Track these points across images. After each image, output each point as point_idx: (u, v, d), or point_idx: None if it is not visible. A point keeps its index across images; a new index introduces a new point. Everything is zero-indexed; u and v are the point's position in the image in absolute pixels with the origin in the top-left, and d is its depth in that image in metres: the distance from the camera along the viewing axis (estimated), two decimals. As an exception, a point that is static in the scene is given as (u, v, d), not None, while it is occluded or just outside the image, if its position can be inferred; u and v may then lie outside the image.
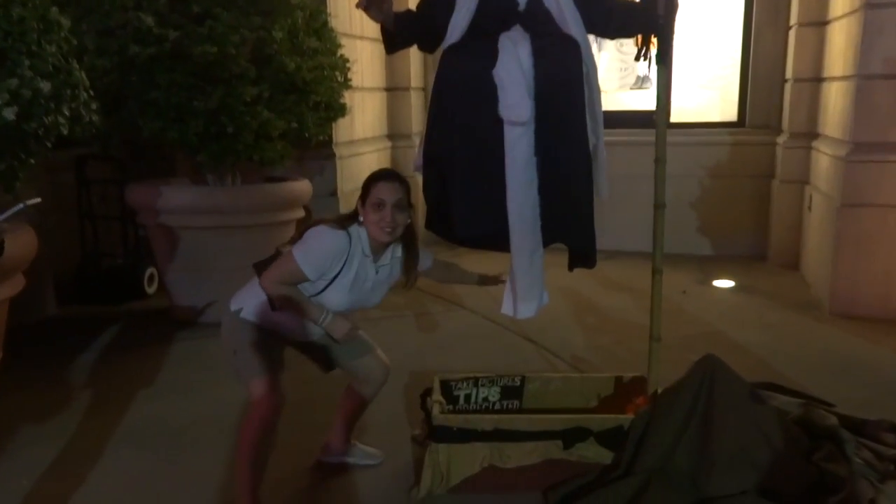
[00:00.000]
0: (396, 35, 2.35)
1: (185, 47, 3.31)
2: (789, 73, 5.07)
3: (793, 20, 5.04)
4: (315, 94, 3.78)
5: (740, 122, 5.52)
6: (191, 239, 3.75)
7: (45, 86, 2.18)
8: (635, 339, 3.58)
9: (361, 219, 2.12)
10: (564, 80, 2.19)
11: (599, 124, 2.31)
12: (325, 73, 3.84)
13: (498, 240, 2.30)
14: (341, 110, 4.06)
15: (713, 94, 5.67)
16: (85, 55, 3.26)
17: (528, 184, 2.19)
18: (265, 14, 3.56)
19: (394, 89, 5.59)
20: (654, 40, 2.36)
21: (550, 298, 2.49)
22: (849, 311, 4.02)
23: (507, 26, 2.21)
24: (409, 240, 2.24)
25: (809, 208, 4.80)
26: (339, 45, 4.08)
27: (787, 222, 5.09)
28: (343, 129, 4.78)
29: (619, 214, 5.20)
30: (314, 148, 4.41)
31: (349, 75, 4.18)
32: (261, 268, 2.13)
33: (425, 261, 2.35)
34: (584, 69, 2.25)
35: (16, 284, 2.55)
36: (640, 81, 5.87)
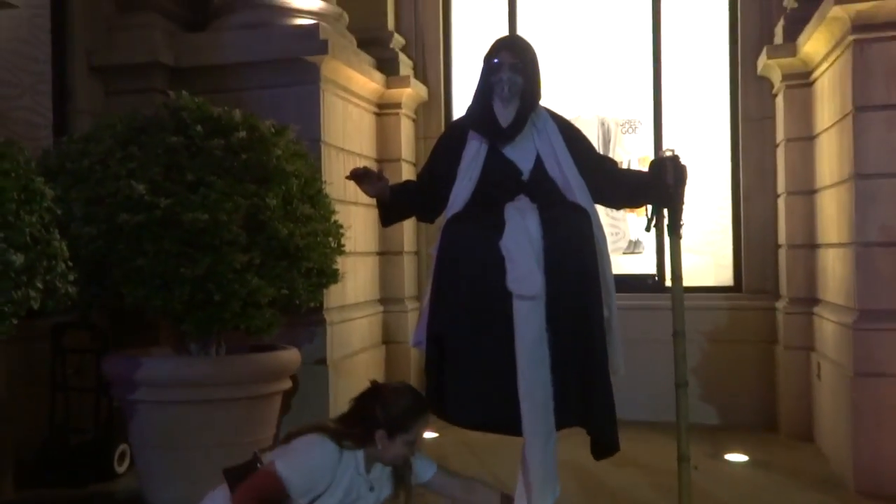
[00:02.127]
0: (392, 207, 2.25)
1: (175, 214, 3.21)
2: (782, 239, 5.05)
3: (780, 188, 5.09)
4: (307, 260, 3.65)
5: (736, 286, 5.44)
6: (169, 414, 3.45)
7: (18, 258, 2.01)
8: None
9: (380, 447, 1.92)
10: (576, 251, 2.07)
11: (612, 295, 2.17)
12: (319, 238, 3.74)
13: (502, 425, 2.07)
14: (334, 276, 3.92)
15: (705, 259, 5.63)
16: (72, 223, 3.14)
17: (540, 362, 2.00)
18: (260, 181, 3.50)
19: (386, 253, 5.51)
20: (665, 211, 2.27)
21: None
22: (876, 491, 3.70)
23: (511, 196, 2.12)
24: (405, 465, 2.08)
25: (819, 377, 4.59)
26: (334, 212, 4.01)
27: (795, 391, 4.85)
28: (334, 294, 4.63)
29: (615, 381, 4.96)
30: (304, 314, 4.23)
31: (343, 241, 4.08)
32: (233, 477, 1.82)
33: (425, 470, 2.10)
34: (595, 241, 2.13)
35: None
36: (633, 245, 5.86)
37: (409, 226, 5.62)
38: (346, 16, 5.05)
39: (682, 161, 2.23)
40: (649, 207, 2.29)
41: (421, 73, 5.69)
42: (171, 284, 3.26)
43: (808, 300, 4.81)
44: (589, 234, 2.11)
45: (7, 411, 3.66)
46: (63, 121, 4.44)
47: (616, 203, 2.39)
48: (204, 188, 3.30)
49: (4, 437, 3.45)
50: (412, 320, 5.14)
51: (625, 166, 2.76)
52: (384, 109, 5.41)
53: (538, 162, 2.19)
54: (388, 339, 5.41)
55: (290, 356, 3.79)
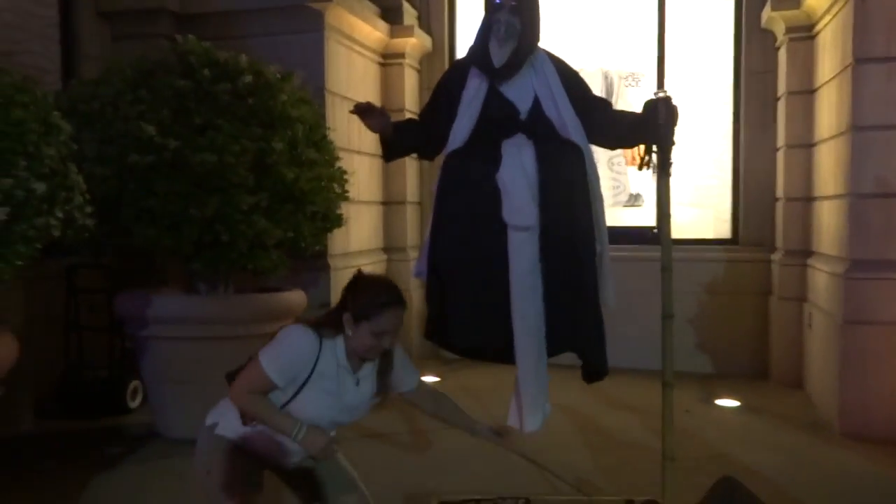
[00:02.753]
0: (394, 143, 2.35)
1: (184, 156, 3.31)
2: (780, 193, 5.14)
3: (780, 142, 5.15)
4: (312, 204, 3.76)
5: (734, 239, 5.54)
6: (179, 350, 3.61)
7: (40, 186, 2.12)
8: (642, 459, 3.39)
9: (349, 333, 1.90)
10: (569, 185, 2.17)
11: (603, 232, 2.27)
12: (323, 183, 3.84)
13: (498, 350, 2.20)
14: (337, 221, 4.04)
15: (704, 212, 5.72)
16: (84, 163, 3.24)
17: (532, 290, 2.12)
18: (266, 126, 3.59)
19: (390, 203, 5.62)
20: (655, 149, 2.36)
21: (549, 417, 2.36)
22: (859, 433, 3.85)
23: (509, 134, 2.22)
24: (387, 356, 2.00)
25: (810, 326, 4.73)
26: (338, 158, 4.11)
27: (787, 340, 4.99)
28: (338, 241, 4.75)
29: (614, 331, 5.10)
30: (309, 259, 4.35)
31: (346, 187, 4.18)
32: (232, 378, 1.97)
33: (408, 379, 2.10)
34: (588, 179, 2.24)
35: (-11, 393, 2.40)
36: (633, 199, 5.94)
37: (412, 175, 5.72)
38: (351, -37, 5.07)
39: (674, 102, 2.32)
40: (642, 147, 2.38)
41: (425, 24, 5.71)
42: (181, 225, 3.38)
43: (803, 252, 4.92)
44: (582, 171, 2.21)
45: (25, 348, 3.81)
46: (70, 66, 4.51)
47: (610, 142, 2.48)
48: (212, 131, 3.40)
49: (24, 373, 3.60)
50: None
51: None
52: (388, 59, 5.46)
53: (536, 102, 2.28)
54: (391, 286, 5.54)
55: (296, 297, 3.92)
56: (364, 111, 2.18)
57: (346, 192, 4.16)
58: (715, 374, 5.35)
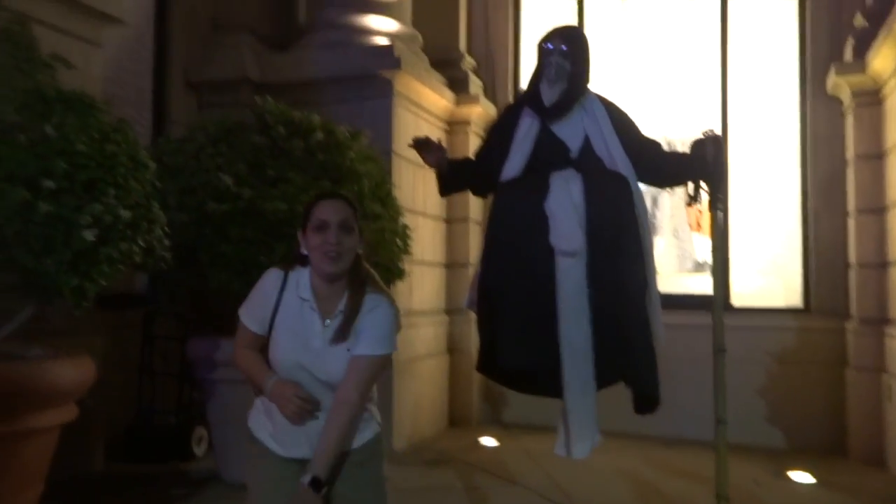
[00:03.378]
0: (450, 178, 2.48)
1: (257, 205, 3.53)
2: (852, 258, 5.02)
3: (850, 207, 5.08)
4: (376, 255, 3.91)
5: (805, 307, 5.41)
6: (245, 392, 3.72)
7: (126, 214, 2.33)
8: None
9: (304, 251, 1.88)
10: (616, 214, 2.25)
11: (652, 266, 2.32)
12: (387, 236, 4.00)
13: (546, 379, 2.22)
14: (400, 274, 4.17)
15: (773, 280, 5.62)
16: (167, 210, 3.50)
17: (580, 313, 2.17)
18: (335, 180, 3.80)
19: (452, 265, 5.74)
20: (704, 186, 2.42)
21: (609, 482, 2.34)
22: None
23: (559, 168, 2.32)
24: (355, 275, 1.89)
25: (890, 399, 4.52)
26: (401, 214, 4.28)
27: (865, 413, 4.77)
28: (401, 299, 4.86)
29: (680, 400, 4.99)
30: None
31: (409, 245, 4.33)
32: None
33: (364, 343, 1.86)
34: (636, 212, 2.30)
35: (68, 413, 2.55)
36: (698, 266, 5.90)
37: (474, 239, 5.85)
38: (419, 37, 5.40)
39: (721, 140, 2.39)
40: (691, 184, 2.45)
41: (490, 93, 5.97)
42: (251, 270, 3.56)
43: (880, 320, 4.76)
44: (628, 200, 2.28)
45: (101, 392, 4.01)
46: (160, 129, 4.90)
47: (661, 181, 2.55)
48: (283, 183, 3.63)
49: (97, 416, 3.79)
50: (476, 331, 5.33)
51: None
52: (454, 126, 5.70)
53: (586, 141, 2.39)
54: (453, 347, 5.61)
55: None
56: (422, 145, 2.32)
57: (409, 247, 4.30)
58: (787, 449, 5.13)
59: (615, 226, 2.23)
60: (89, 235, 2.22)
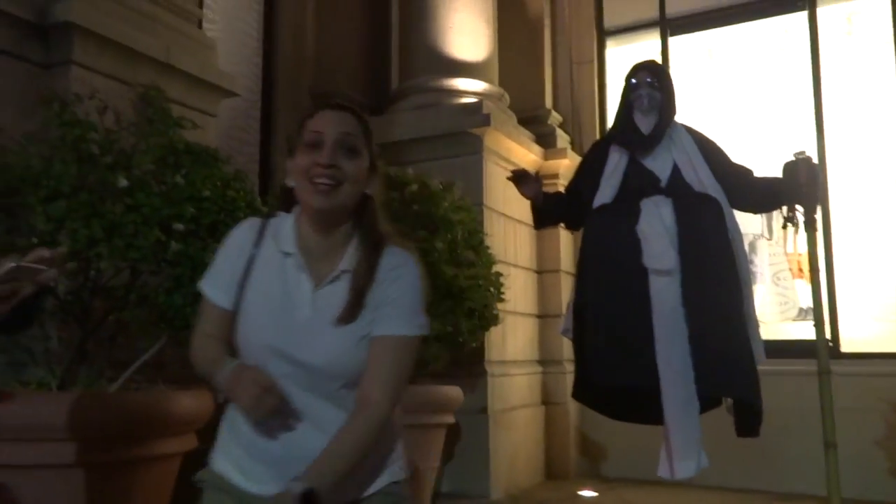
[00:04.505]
0: (544, 211, 2.61)
1: (357, 254, 3.76)
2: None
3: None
4: (470, 300, 4.06)
5: (923, 353, 5.16)
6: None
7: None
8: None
9: (290, 181, 1.38)
10: (708, 234, 2.32)
11: (749, 286, 2.35)
12: (480, 283, 4.15)
13: (646, 403, 2.27)
14: (493, 319, 4.29)
15: (890, 326, 5.41)
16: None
17: (676, 332, 2.23)
18: (429, 229, 4.01)
19: (545, 316, 5.81)
20: (800, 209, 2.46)
21: None
22: None
23: (649, 196, 2.42)
24: (366, 221, 1.40)
25: None
26: (494, 262, 4.43)
27: None
28: (495, 349, 4.97)
29: (788, 451, 4.83)
30: (467, 364, 4.59)
31: (504, 291, 4.46)
32: None
33: (389, 321, 1.34)
34: (729, 234, 2.36)
35: (188, 442, 2.76)
36: (804, 313, 5.74)
37: (566, 290, 5.92)
38: (507, 96, 5.65)
39: (813, 162, 2.43)
40: (785, 209, 2.48)
41: (577, 147, 6.13)
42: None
43: None
44: (719, 219, 2.34)
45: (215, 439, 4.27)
46: (265, 193, 5.28)
47: (754, 206, 2.60)
48: (382, 233, 3.86)
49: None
50: (570, 382, 5.35)
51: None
52: (543, 179, 5.86)
53: (675, 170, 2.48)
54: (547, 399, 5.62)
55: (453, 392, 4.15)
56: (520, 177, 2.46)
57: (503, 294, 4.43)
58: (913, 505, 4.82)
59: (707, 245, 2.30)
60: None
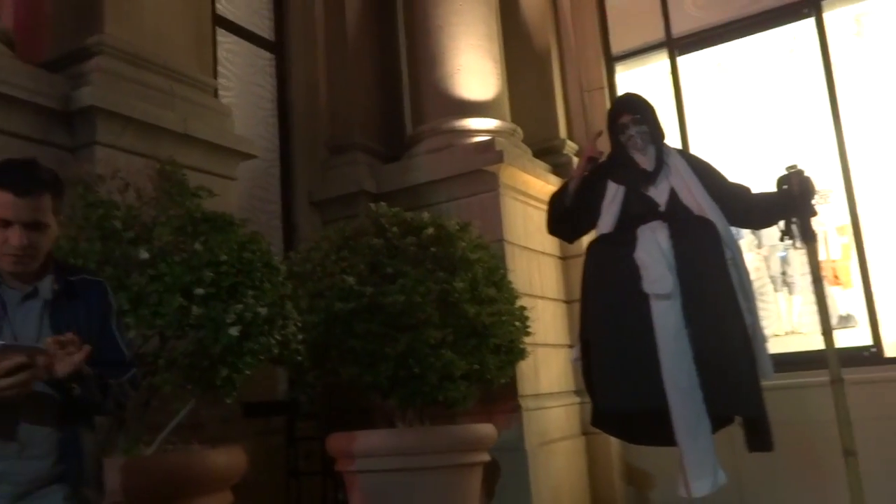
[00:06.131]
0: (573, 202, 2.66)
1: (378, 300, 3.92)
2: None
3: None
4: (495, 336, 4.17)
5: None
6: (383, 480, 4.01)
7: (263, 311, 2.75)
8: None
9: None
10: (705, 254, 2.41)
11: (753, 303, 2.43)
12: (504, 318, 4.26)
13: (658, 425, 2.35)
14: (521, 353, 4.39)
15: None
16: (300, 314, 3.96)
17: (681, 353, 2.31)
18: (448, 270, 4.15)
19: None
20: (795, 221, 2.54)
21: None
22: None
23: (646, 221, 2.53)
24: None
25: None
26: (517, 296, 4.54)
27: None
28: (528, 383, 5.05)
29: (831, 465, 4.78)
30: (500, 399, 4.68)
31: (529, 324, 4.56)
32: None
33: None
34: (729, 253, 2.46)
35: (223, 499, 2.92)
36: (844, 320, 5.71)
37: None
38: (519, 130, 5.81)
39: (806, 174, 2.51)
40: (782, 222, 2.56)
41: (595, 174, 6.24)
42: (378, 362, 3.92)
43: None
44: (717, 240, 2.43)
45: (250, 495, 4.42)
46: (289, 247, 5.50)
47: (752, 222, 2.68)
48: (400, 277, 4.01)
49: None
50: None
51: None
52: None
53: (672, 194, 2.59)
54: (588, 430, 5.64)
55: (486, 430, 4.24)
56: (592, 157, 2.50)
57: (528, 326, 4.53)
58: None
59: (704, 266, 2.39)
60: (234, 332, 2.64)
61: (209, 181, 3.88)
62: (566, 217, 2.77)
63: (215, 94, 4.71)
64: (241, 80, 5.52)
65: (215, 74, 5.04)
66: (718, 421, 2.34)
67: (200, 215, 2.86)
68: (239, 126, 4.77)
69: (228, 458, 2.87)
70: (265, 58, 5.78)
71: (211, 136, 4.11)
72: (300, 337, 3.10)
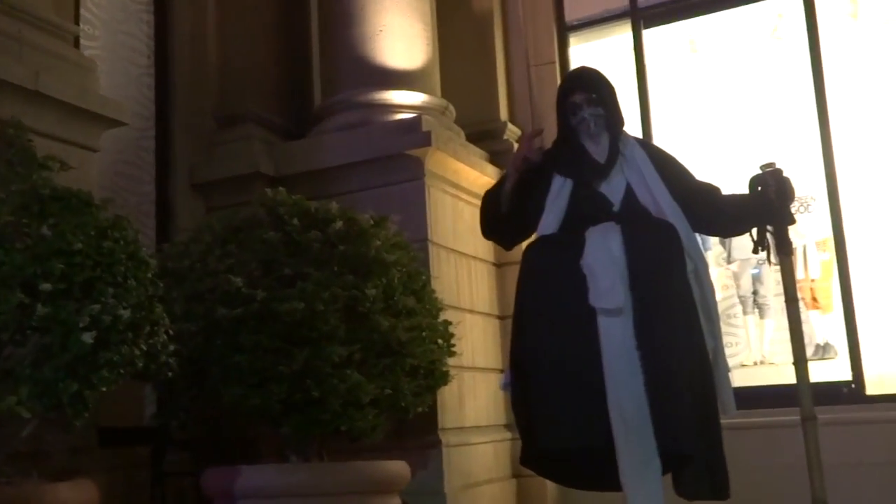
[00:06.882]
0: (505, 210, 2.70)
1: (272, 307, 3.91)
2: None
3: None
4: (412, 357, 4.21)
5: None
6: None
7: (125, 314, 2.72)
8: None
9: None
10: (662, 264, 2.50)
11: (716, 324, 2.54)
12: (425, 334, 4.30)
13: (600, 466, 2.42)
14: (443, 378, 4.44)
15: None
16: (174, 321, 3.90)
17: (629, 378, 2.40)
18: (359, 273, 4.17)
19: (513, 371, 5.97)
20: (770, 230, 2.66)
21: None
22: None
23: (597, 223, 2.61)
24: None
25: None
26: (441, 309, 4.59)
27: None
28: (450, 414, 5.11)
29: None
30: (415, 434, 4.72)
31: (454, 343, 4.61)
32: None
33: None
34: (691, 265, 2.56)
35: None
36: (822, 350, 5.98)
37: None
38: (452, 108, 5.88)
39: (785, 174, 2.63)
40: (755, 231, 2.68)
41: (541, 165, 6.37)
42: (269, 382, 3.91)
43: None
44: (678, 250, 2.52)
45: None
46: (165, 239, 5.41)
47: (720, 230, 2.79)
48: (300, 281, 4.01)
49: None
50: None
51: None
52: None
53: (628, 191, 2.67)
54: (519, 471, 5.74)
55: (398, 468, 4.27)
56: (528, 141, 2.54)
57: (453, 346, 4.58)
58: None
59: (662, 278, 2.48)
60: (88, 338, 2.59)
61: (64, 151, 3.81)
62: (504, 220, 2.82)
63: (76, 43, 4.61)
64: (110, 28, 5.41)
65: (77, 19, 4.93)
66: (671, 461, 2.42)
67: (49, 192, 2.80)
68: (105, 85, 4.68)
69: (77, 495, 2.82)
70: (141, 1, 5.67)
71: (68, 96, 4.02)
72: (172, 348, 3.06)
